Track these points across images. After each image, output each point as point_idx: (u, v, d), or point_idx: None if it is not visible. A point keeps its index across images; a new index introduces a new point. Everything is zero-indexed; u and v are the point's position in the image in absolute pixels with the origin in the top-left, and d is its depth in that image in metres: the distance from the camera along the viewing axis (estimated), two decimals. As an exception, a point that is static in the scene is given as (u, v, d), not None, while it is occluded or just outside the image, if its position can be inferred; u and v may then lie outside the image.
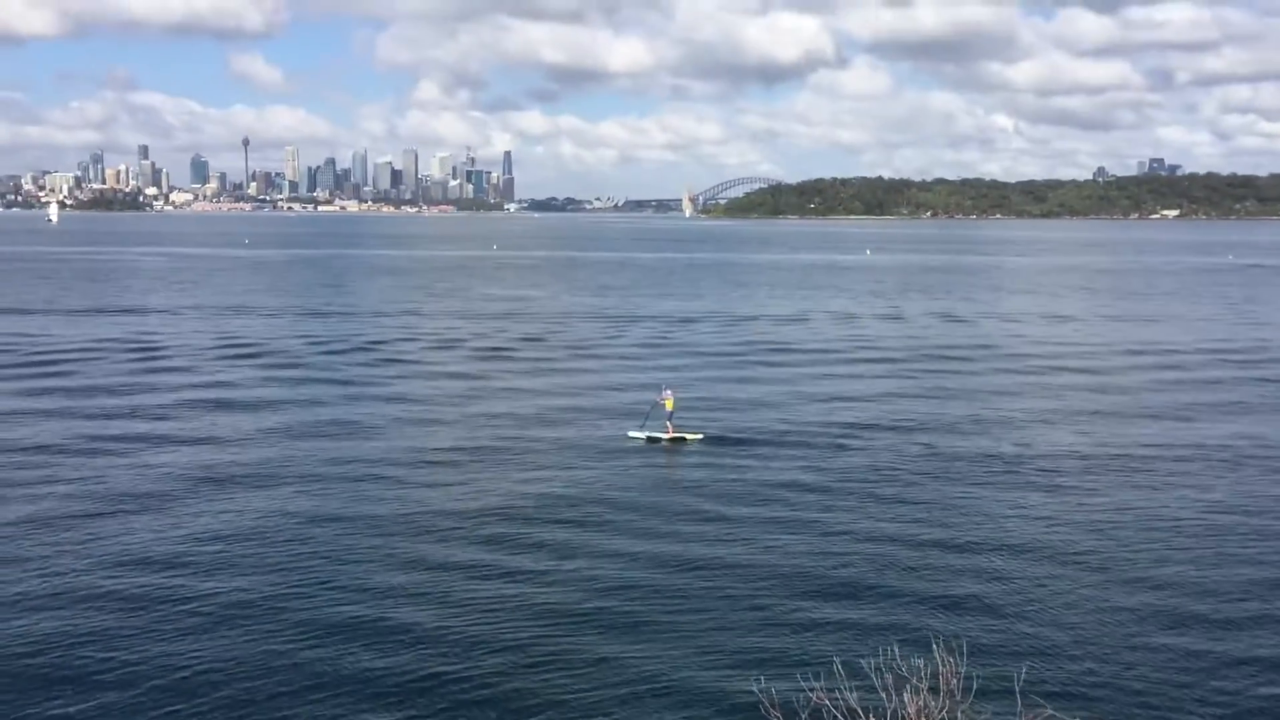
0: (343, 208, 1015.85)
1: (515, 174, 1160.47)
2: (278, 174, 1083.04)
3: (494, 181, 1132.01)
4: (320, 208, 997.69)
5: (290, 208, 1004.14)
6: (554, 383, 53.74)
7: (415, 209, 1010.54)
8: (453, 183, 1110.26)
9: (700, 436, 39.79)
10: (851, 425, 43.16)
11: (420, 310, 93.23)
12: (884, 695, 12.94)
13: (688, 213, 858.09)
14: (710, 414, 44.92)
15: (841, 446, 39.07)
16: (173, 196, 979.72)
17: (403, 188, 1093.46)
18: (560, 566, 25.49)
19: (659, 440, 39.48)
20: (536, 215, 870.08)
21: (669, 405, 40.19)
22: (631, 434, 39.99)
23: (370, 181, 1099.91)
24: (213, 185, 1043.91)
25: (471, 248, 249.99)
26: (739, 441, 39.88)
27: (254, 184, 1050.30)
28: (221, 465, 35.79)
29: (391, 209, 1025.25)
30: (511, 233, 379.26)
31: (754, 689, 15.91)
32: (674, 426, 40.01)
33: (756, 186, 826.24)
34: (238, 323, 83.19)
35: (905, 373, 58.61)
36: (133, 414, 45.06)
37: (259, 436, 40.48)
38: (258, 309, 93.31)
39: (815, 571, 25.51)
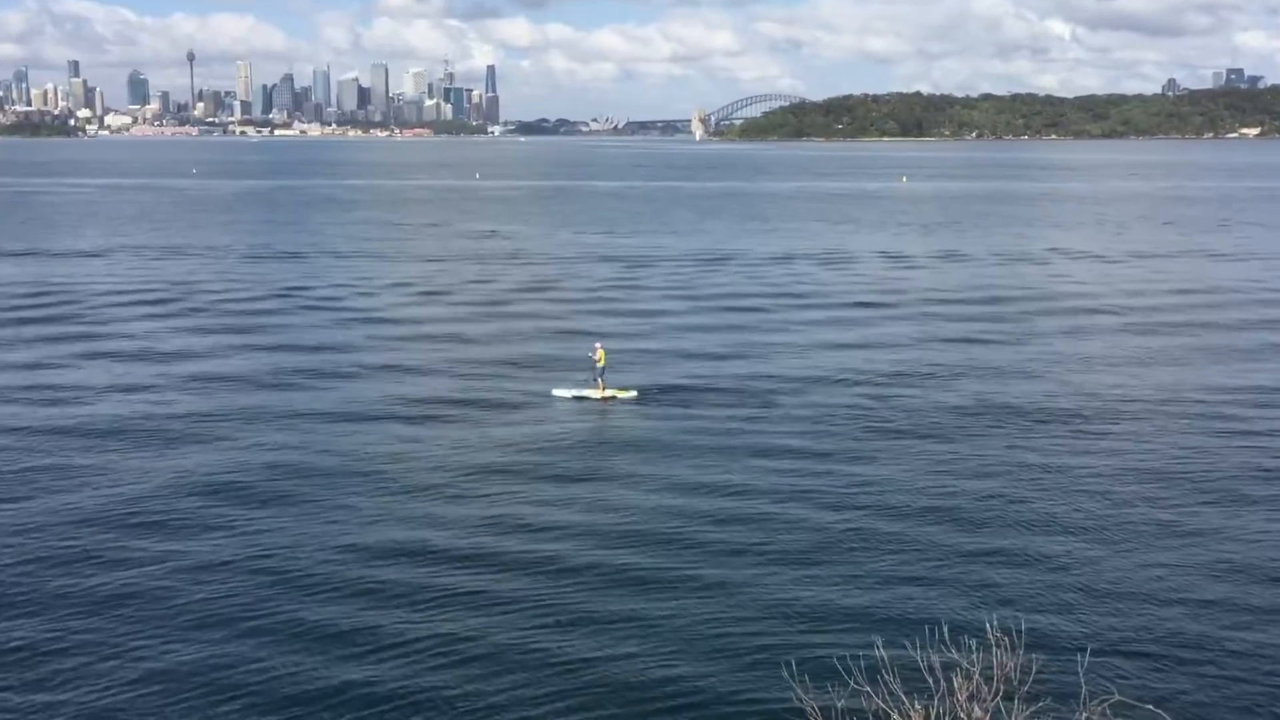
0: (303, 132, 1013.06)
1: (499, 92, 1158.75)
2: (227, 93, 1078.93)
3: (475, 101, 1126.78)
4: (277, 132, 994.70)
5: (243, 132, 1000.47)
6: (504, 331, 54.90)
7: (386, 133, 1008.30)
8: (428, 102, 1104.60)
9: (634, 393, 40.21)
10: (871, 379, 43.77)
11: (389, 252, 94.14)
12: (931, 681, 12.92)
13: (698, 136, 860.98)
14: (693, 367, 45.77)
15: (851, 406, 39.55)
16: (108, 120, 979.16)
17: (371, 109, 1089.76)
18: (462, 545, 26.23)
19: (586, 399, 40.01)
20: (524, 140, 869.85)
21: (599, 359, 40.45)
22: (557, 393, 40.54)
23: (334, 101, 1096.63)
24: (153, 107, 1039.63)
25: (450, 177, 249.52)
26: (691, 397, 40.44)
27: (200, 105, 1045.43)
28: (132, 422, 37.16)
29: (359, 133, 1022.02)
30: (496, 160, 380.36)
31: (780, 683, 16.64)
32: (605, 383, 40.48)
33: (776, 105, 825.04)
34: (179, 266, 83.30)
35: (943, 321, 58.96)
36: (37, 367, 46.29)
37: (173, 393, 41.64)
38: (202, 250, 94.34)
39: (839, 544, 25.87)
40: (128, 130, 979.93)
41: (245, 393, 41.86)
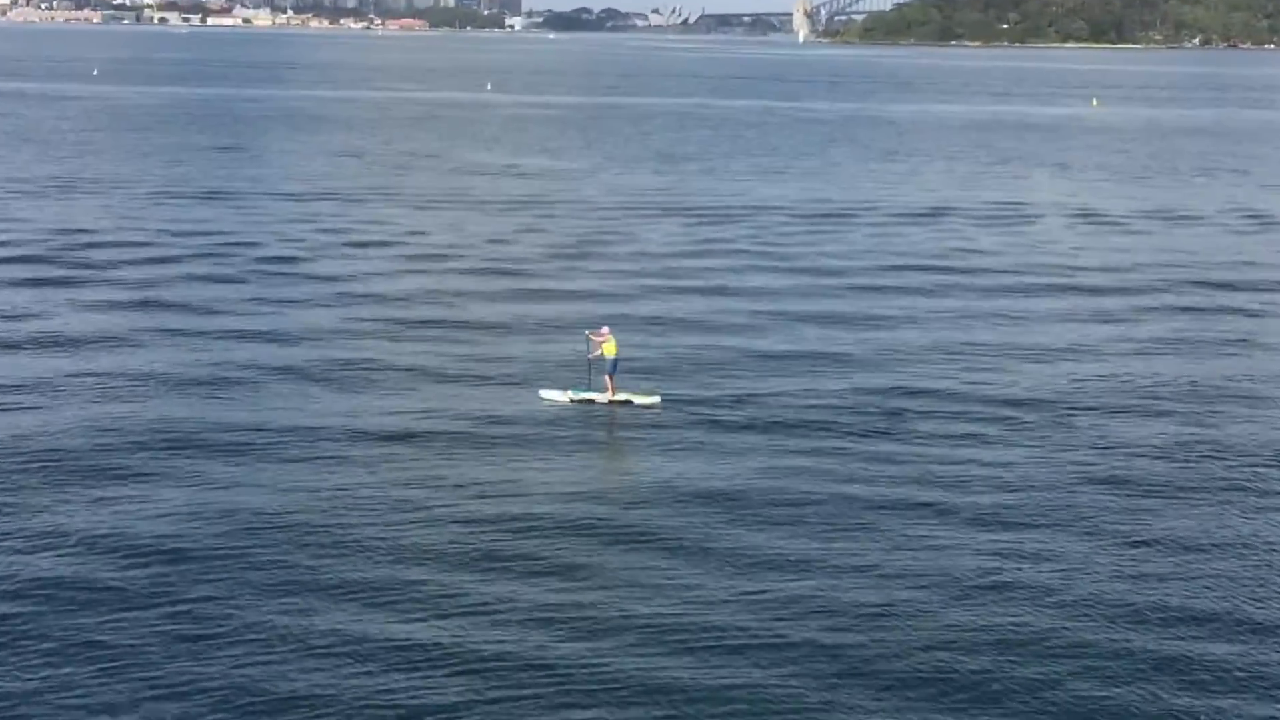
0: (246, 21, 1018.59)
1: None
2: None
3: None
4: (211, 20, 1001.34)
5: (163, 19, 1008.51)
6: (521, 317, 55.61)
7: (363, 24, 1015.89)
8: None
9: (656, 399, 41.67)
10: (1071, 399, 44.50)
11: (363, 194, 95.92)
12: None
13: (801, 36, 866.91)
14: (772, 370, 47.26)
15: (1056, 450, 39.30)
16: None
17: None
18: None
19: (591, 403, 41.58)
20: (555, 36, 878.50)
21: (607, 349, 41.72)
22: (546, 395, 42.01)
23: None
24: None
25: (452, 88, 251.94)
26: (763, 415, 41.34)
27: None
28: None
29: (324, 23, 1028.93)
30: (516, 65, 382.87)
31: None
32: (616, 383, 41.81)
33: None
34: (63, 210, 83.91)
35: (1170, 314, 59.27)
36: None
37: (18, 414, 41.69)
38: (99, 187, 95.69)
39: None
40: (4, 15, 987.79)
41: (146, 402, 41.91)
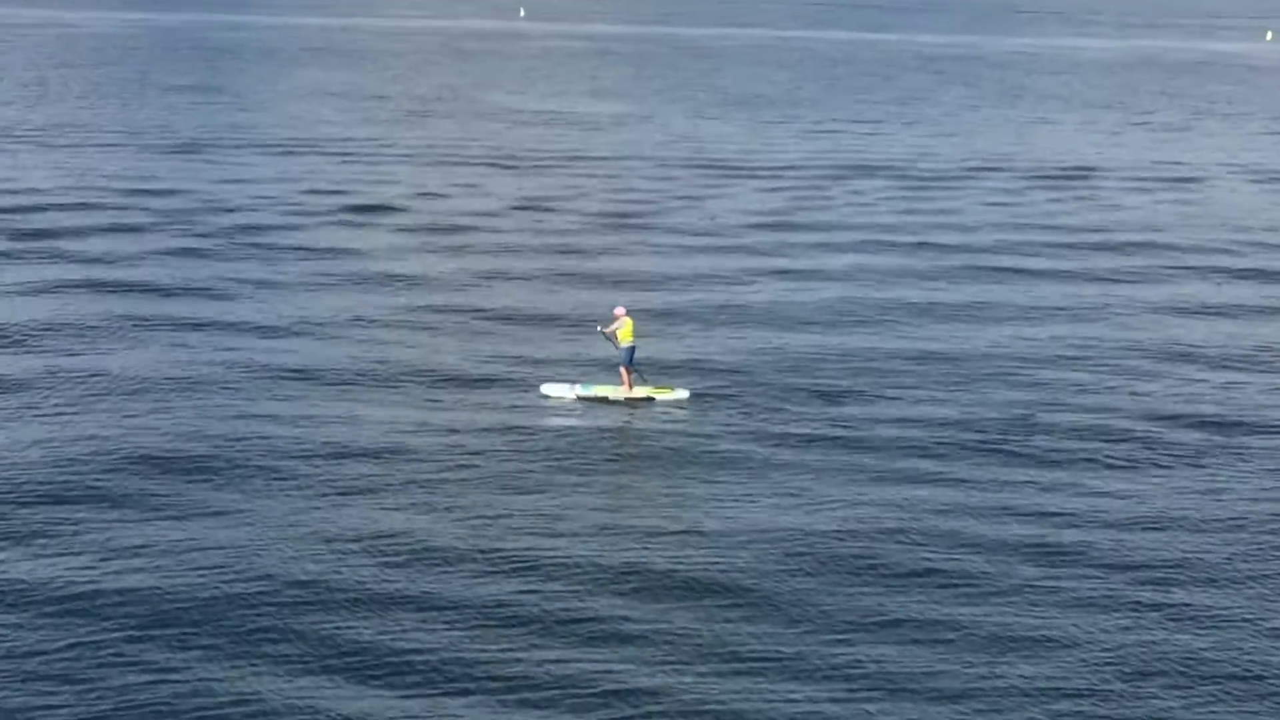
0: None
1: None
2: None
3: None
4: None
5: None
6: (555, 307, 55.01)
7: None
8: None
9: (683, 395, 42.46)
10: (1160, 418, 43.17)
11: (363, 146, 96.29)
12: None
13: None
14: (850, 367, 47.22)
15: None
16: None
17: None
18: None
19: (602, 400, 42.29)
20: None
21: (625, 335, 42.44)
22: (549, 392, 42.73)
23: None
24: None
25: (477, 13, 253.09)
26: (818, 414, 41.68)
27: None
28: None
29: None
30: None
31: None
32: (632, 374, 42.64)
33: None
34: (6, 162, 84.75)
35: None
36: None
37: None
38: (49, 132, 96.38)
39: None
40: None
41: (104, 411, 41.58)
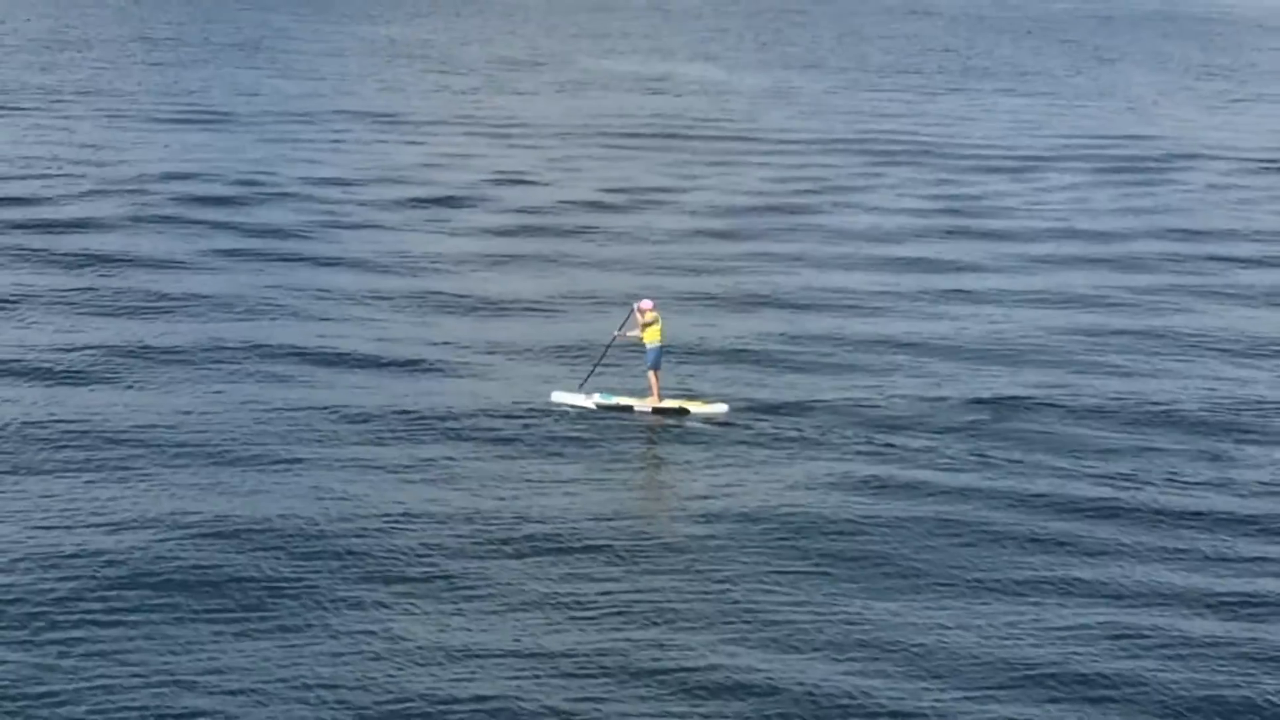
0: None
1: None
2: None
3: None
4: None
5: None
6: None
7: None
8: None
9: (722, 409, 41.23)
10: None
11: (428, 115, 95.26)
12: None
13: None
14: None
15: None
16: None
17: None
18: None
19: (625, 410, 41.39)
20: None
21: (649, 334, 41.00)
22: (560, 400, 41.80)
23: None
24: None
25: None
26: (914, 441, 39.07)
27: None
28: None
29: None
30: None
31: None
32: (660, 381, 41.47)
33: None
34: (6, 133, 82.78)
35: None
36: None
37: None
38: (56, 98, 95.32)
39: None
40: None
41: (66, 394, 41.09)
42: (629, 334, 41.57)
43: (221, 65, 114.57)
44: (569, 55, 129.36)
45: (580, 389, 42.16)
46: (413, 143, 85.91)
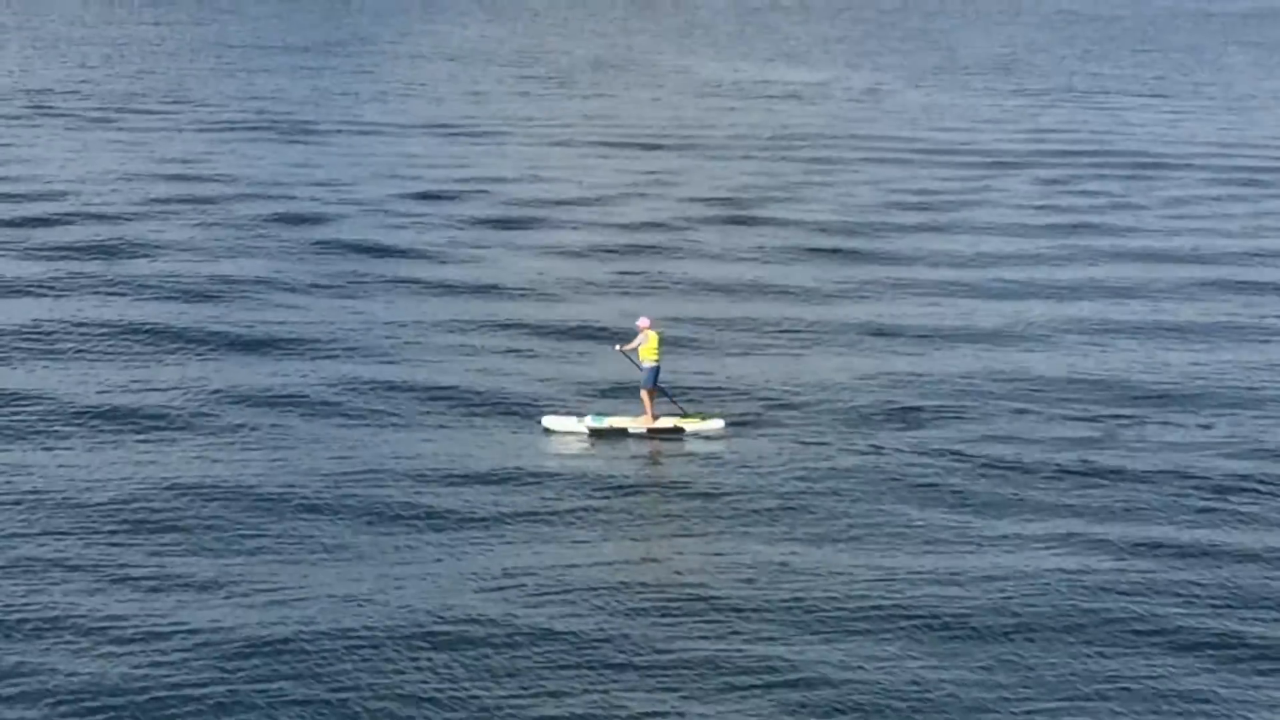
0: None
1: None
2: None
3: None
4: None
5: None
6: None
7: None
8: None
9: (718, 425, 42.21)
10: None
11: (507, 123, 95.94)
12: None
13: None
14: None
15: None
16: None
17: None
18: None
19: (619, 433, 42.15)
20: None
21: (647, 352, 41.95)
22: (550, 426, 42.67)
23: None
24: None
25: None
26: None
27: None
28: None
29: None
30: None
31: None
32: (654, 399, 42.38)
33: None
34: (73, 144, 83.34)
35: None
36: None
37: None
38: (131, 109, 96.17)
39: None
40: None
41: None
42: (629, 350, 42.33)
43: (296, 74, 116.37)
44: (654, 58, 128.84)
45: (580, 418, 42.79)
46: (500, 154, 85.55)
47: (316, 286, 58.29)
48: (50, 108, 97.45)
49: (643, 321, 42.49)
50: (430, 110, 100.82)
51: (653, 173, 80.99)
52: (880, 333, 53.98)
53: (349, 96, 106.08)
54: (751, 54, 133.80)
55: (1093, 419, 42.54)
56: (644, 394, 42.12)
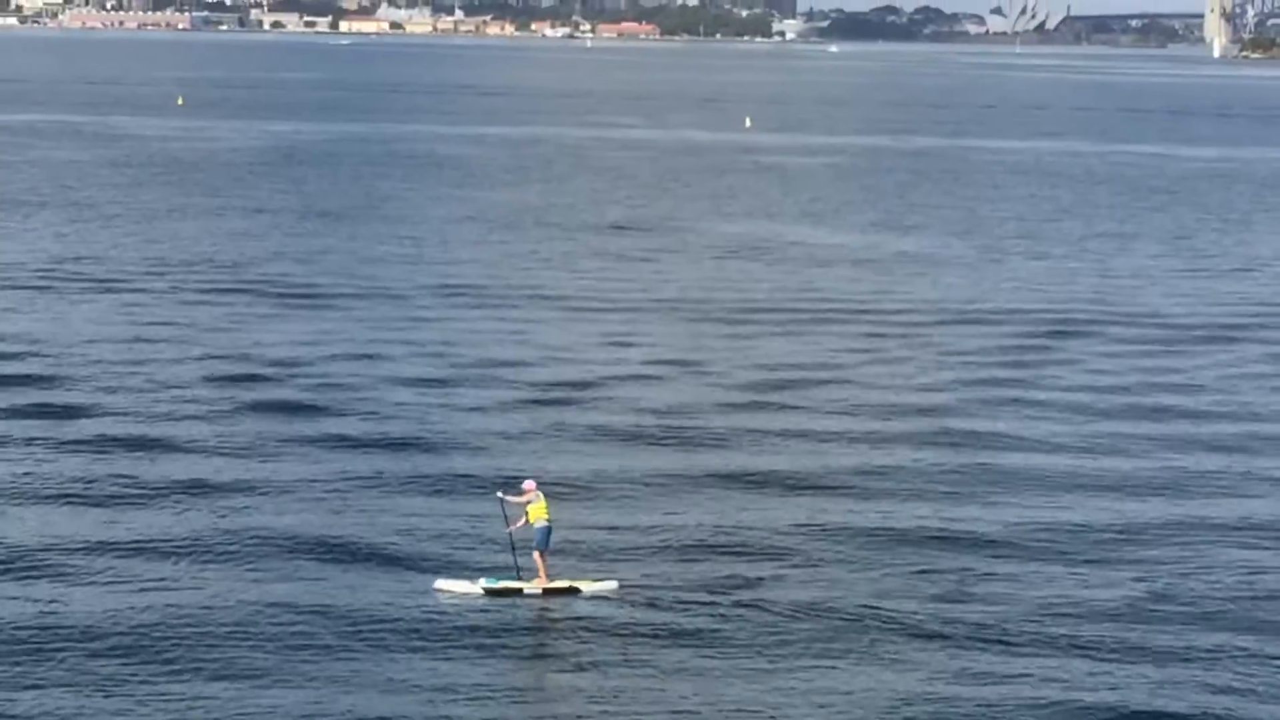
0: (396, 25, 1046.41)
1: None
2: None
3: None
4: (348, 25, 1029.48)
5: (277, 24, 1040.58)
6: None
7: (564, 30, 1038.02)
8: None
9: (612, 585, 43.86)
10: None
11: (528, 289, 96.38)
12: None
13: (1217, 48, 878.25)
14: None
15: None
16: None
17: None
18: None
19: (514, 594, 43.47)
20: (839, 49, 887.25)
21: (538, 512, 43.45)
22: (444, 588, 43.91)
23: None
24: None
25: (694, 122, 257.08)
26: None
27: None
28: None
29: (510, 28, 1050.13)
30: (790, 89, 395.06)
31: None
32: (547, 563, 43.78)
33: None
34: (89, 310, 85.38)
35: None
36: None
37: None
38: (141, 278, 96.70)
39: None
40: (55, 18, 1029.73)
41: None
42: (516, 524, 43.62)
43: (323, 234, 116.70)
44: (684, 219, 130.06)
45: (472, 579, 44.08)
46: (529, 327, 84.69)
47: (247, 445, 59.35)
48: (48, 272, 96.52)
49: (529, 484, 44.29)
50: (467, 271, 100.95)
51: (610, 334, 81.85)
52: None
53: (337, 258, 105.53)
54: (816, 215, 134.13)
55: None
56: (536, 555, 43.50)
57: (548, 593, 43.15)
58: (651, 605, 42.60)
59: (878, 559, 47.83)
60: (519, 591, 43.21)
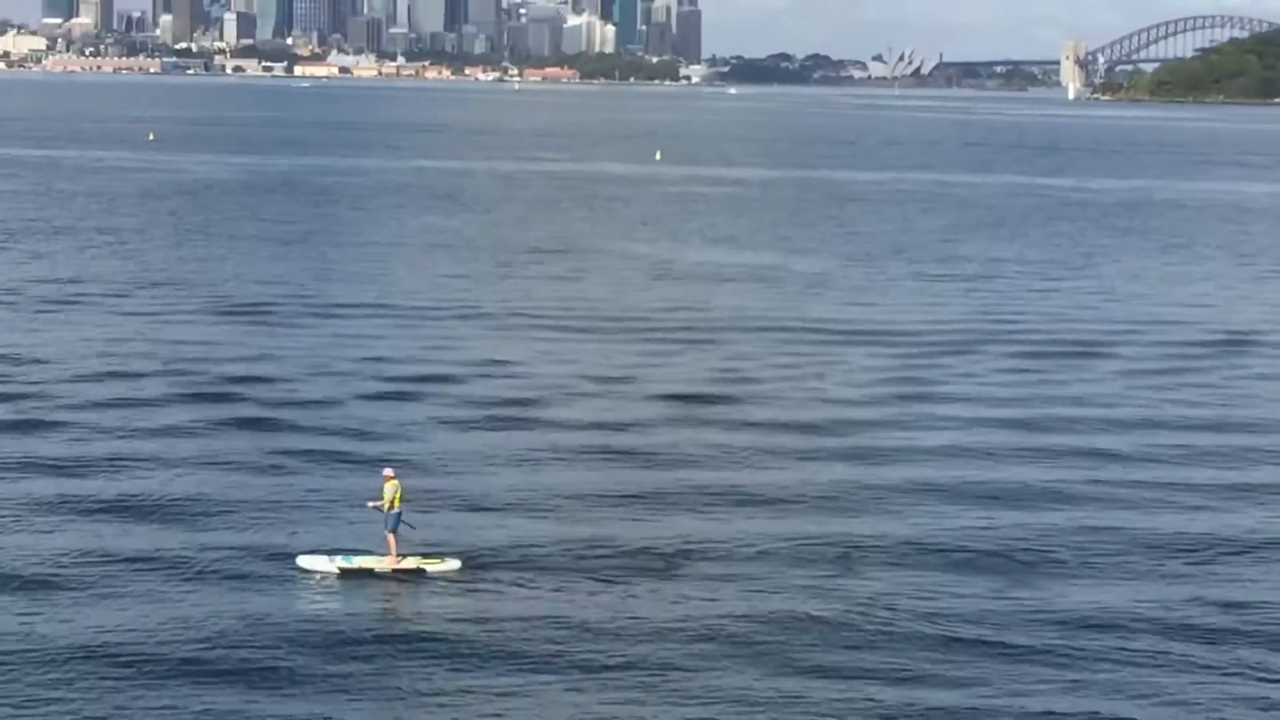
0: (344, 70, 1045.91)
1: (702, 6, 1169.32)
2: (215, 1, 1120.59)
3: (658, 22, 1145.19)
4: (302, 69, 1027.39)
5: (239, 69, 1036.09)
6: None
7: (494, 74, 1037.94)
8: (573, 22, 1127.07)
9: (455, 565, 43.48)
10: None
11: (485, 301, 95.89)
12: None
13: (1071, 90, 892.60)
14: None
15: None
16: (11, 42, 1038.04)
17: (470, 32, 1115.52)
18: None
19: (366, 573, 43.12)
20: (739, 92, 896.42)
21: (389, 497, 43.43)
22: (306, 565, 43.37)
23: (402, 19, 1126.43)
24: (84, 21, 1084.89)
25: (610, 155, 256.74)
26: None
27: (168, 21, 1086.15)
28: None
29: (445, 73, 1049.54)
30: (695, 126, 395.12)
31: None
32: (398, 541, 43.35)
33: (1220, 38, 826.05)
34: (67, 326, 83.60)
35: None
36: None
37: None
38: (93, 298, 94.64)
39: None
40: (42, 62, 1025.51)
41: None
42: (375, 502, 43.69)
43: (266, 257, 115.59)
44: (599, 241, 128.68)
45: (331, 556, 43.24)
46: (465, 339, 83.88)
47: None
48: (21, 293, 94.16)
49: (388, 472, 44.19)
50: (428, 291, 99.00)
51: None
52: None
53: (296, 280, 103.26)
54: (729, 238, 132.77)
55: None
56: (389, 536, 43.15)
57: (396, 572, 42.86)
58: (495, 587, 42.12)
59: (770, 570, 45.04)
60: (371, 570, 42.97)
